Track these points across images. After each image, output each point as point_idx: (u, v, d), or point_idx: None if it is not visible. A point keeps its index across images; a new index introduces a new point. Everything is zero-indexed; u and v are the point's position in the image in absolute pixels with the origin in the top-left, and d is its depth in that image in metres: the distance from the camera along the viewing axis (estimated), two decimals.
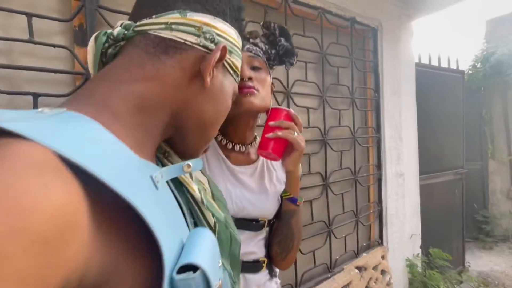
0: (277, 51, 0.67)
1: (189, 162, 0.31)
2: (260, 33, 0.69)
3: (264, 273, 0.66)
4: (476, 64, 3.63)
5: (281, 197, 0.68)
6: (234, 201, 0.62)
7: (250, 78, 0.60)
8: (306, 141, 1.37)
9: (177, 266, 0.23)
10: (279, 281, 0.71)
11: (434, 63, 2.49)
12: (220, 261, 0.31)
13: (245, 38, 0.68)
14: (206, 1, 0.35)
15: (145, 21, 0.33)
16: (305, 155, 1.39)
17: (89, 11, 0.80)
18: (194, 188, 0.34)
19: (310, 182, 1.43)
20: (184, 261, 0.24)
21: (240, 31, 0.40)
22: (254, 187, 0.65)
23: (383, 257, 1.76)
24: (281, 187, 0.69)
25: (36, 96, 0.73)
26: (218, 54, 0.33)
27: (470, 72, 3.58)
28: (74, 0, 0.81)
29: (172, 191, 0.32)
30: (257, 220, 0.64)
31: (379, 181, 1.82)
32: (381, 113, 1.81)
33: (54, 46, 0.76)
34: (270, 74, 0.67)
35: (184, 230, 0.30)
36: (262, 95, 0.61)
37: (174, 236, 0.26)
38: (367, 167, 1.78)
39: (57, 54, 0.79)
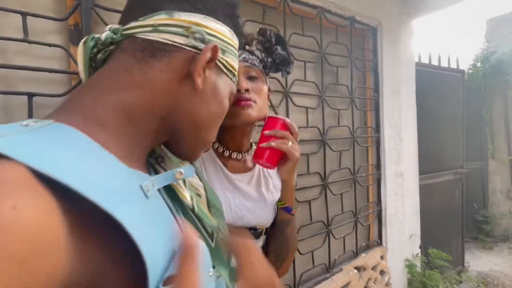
0: (274, 60, 0.67)
1: (181, 169, 0.31)
2: (256, 36, 0.68)
3: None
4: (477, 64, 3.62)
5: (277, 206, 0.68)
6: (233, 209, 0.62)
7: (247, 90, 0.60)
8: (304, 141, 1.40)
9: (164, 277, 0.24)
10: None
11: (434, 62, 2.48)
12: (211, 270, 0.31)
13: (241, 37, 0.67)
14: (196, 0, 0.33)
15: (132, 24, 0.32)
16: (304, 155, 1.39)
17: (84, 10, 0.80)
18: (186, 195, 0.34)
19: (309, 182, 1.42)
20: (170, 272, 0.24)
21: (236, 29, 0.39)
22: (252, 195, 0.65)
23: (382, 257, 1.75)
24: (277, 195, 0.69)
25: (31, 95, 0.73)
26: (208, 54, 0.32)
27: (470, 71, 3.57)
28: None
29: (164, 198, 0.32)
30: (255, 229, 0.64)
31: (378, 181, 1.82)
32: (380, 113, 1.80)
33: (49, 45, 0.76)
34: (266, 82, 0.67)
35: (176, 239, 0.29)
36: (259, 106, 0.61)
37: (163, 245, 0.26)
38: (366, 167, 1.77)
39: (53, 53, 0.78)
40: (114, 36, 0.32)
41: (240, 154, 0.67)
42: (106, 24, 0.83)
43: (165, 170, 0.35)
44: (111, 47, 0.33)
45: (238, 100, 0.59)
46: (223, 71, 0.36)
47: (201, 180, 0.44)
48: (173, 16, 0.32)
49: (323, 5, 1.46)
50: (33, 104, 0.73)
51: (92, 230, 0.22)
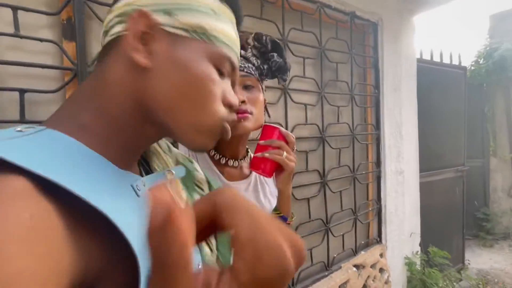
0: (270, 67, 0.66)
1: (172, 169, 0.33)
2: (251, 41, 0.66)
3: None
4: (479, 60, 3.58)
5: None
6: None
7: (243, 101, 0.59)
8: (303, 138, 1.38)
9: None
10: None
11: (436, 59, 2.45)
12: (200, 262, 0.32)
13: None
14: None
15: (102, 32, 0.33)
16: (303, 152, 1.37)
17: (77, 4, 0.78)
18: (178, 196, 0.35)
19: (308, 179, 1.41)
20: None
21: None
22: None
23: (381, 255, 1.74)
24: (274, 202, 0.69)
25: (22, 92, 0.71)
26: (137, 26, 0.29)
27: (472, 68, 3.53)
28: None
29: None
30: None
31: (378, 178, 1.80)
32: (381, 110, 1.78)
33: (41, 40, 0.74)
34: (262, 90, 0.66)
35: None
36: (255, 117, 0.61)
37: None
38: (366, 165, 1.76)
39: (45, 48, 0.77)
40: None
41: (236, 162, 0.67)
42: (99, 19, 0.81)
43: (158, 169, 0.36)
44: None
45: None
46: (181, 35, 0.30)
47: (209, 183, 0.45)
48: (112, 9, 0.32)
49: (323, 0, 1.43)
50: (25, 100, 0.72)
51: (88, 230, 0.23)
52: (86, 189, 0.23)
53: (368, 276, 1.61)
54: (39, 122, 0.28)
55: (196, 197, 0.43)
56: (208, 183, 0.47)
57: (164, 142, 0.43)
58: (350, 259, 1.57)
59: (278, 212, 0.68)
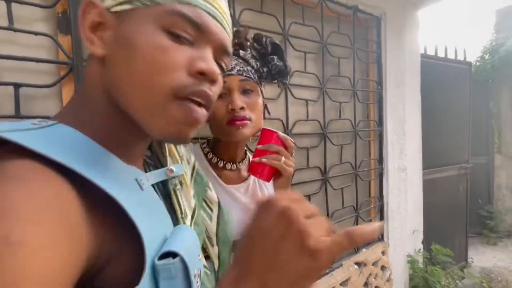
0: (270, 70, 0.64)
1: (172, 167, 0.35)
2: (251, 42, 0.65)
3: None
4: (485, 56, 3.52)
5: None
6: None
7: (242, 108, 0.58)
8: (304, 134, 1.36)
9: (159, 254, 0.27)
10: None
11: (441, 54, 2.41)
12: (200, 254, 0.34)
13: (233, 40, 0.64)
14: None
15: None
16: (304, 148, 1.36)
17: None
18: (177, 208, 0.36)
19: (309, 176, 1.39)
20: (165, 249, 0.27)
21: None
22: (250, 208, 0.63)
23: (383, 253, 1.73)
24: None
25: (17, 86, 0.70)
26: (86, 17, 0.28)
27: (478, 63, 3.47)
28: None
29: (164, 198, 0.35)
30: None
31: (380, 175, 1.78)
32: (383, 106, 1.75)
33: (35, 33, 0.73)
34: (262, 92, 0.65)
35: (169, 228, 0.31)
36: (254, 123, 0.60)
37: (156, 229, 0.29)
38: (368, 162, 1.74)
39: (40, 42, 0.75)
40: None
41: (234, 165, 0.66)
42: None
43: (162, 166, 0.38)
44: None
45: (233, 120, 0.57)
46: (128, 9, 0.28)
47: (217, 228, 0.47)
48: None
49: None
50: (20, 95, 0.71)
51: (100, 214, 0.25)
52: (97, 176, 0.24)
53: (370, 274, 1.60)
54: (34, 117, 0.30)
55: (203, 215, 0.45)
56: (219, 206, 0.49)
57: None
58: (351, 257, 1.56)
59: None
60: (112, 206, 0.25)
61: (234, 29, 0.69)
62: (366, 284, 1.58)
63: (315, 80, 1.41)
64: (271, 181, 0.66)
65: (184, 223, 0.36)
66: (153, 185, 0.33)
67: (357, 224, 1.62)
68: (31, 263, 0.18)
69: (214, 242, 0.47)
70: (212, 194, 0.48)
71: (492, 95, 3.51)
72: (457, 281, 2.16)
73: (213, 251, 0.47)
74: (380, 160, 1.78)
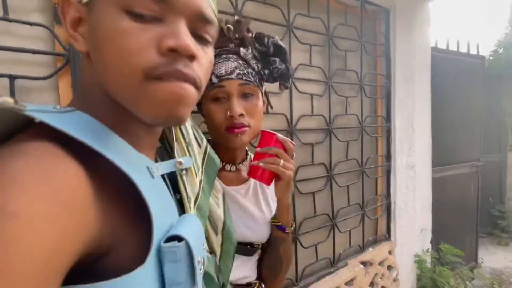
0: (271, 72, 0.61)
1: (181, 159, 0.36)
2: (252, 40, 0.62)
3: None
4: (498, 50, 3.40)
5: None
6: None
7: (241, 115, 0.57)
8: (309, 129, 1.33)
9: (165, 237, 0.27)
10: None
11: (452, 48, 2.33)
12: (205, 243, 0.34)
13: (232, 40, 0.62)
14: None
15: None
16: (308, 144, 1.32)
17: None
18: (182, 191, 0.37)
19: (313, 173, 1.36)
20: (171, 233, 0.28)
21: None
22: (251, 210, 0.63)
23: (390, 252, 1.68)
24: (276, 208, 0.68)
25: (12, 78, 0.69)
26: (65, 15, 0.29)
27: (491, 58, 3.35)
28: None
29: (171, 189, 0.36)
30: (252, 245, 0.64)
31: (388, 173, 1.73)
32: (392, 101, 1.70)
33: (30, 24, 0.71)
34: (262, 93, 0.63)
35: (175, 218, 0.32)
36: (253, 129, 0.59)
37: (163, 216, 0.29)
38: (375, 158, 1.69)
39: (36, 33, 0.73)
40: None
41: (234, 166, 0.65)
42: None
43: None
44: None
45: (232, 127, 0.56)
46: (97, 1, 0.27)
47: (224, 212, 0.49)
48: None
49: None
50: (15, 87, 0.69)
51: (111, 197, 0.26)
52: (116, 158, 0.25)
53: (376, 274, 1.56)
54: None
55: (211, 200, 0.46)
56: (223, 196, 0.51)
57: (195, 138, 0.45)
58: (357, 256, 1.52)
59: (277, 221, 0.65)
60: (125, 189, 0.26)
61: (235, 18, 0.66)
62: (372, 284, 1.54)
63: (320, 74, 1.37)
64: (272, 184, 0.65)
65: (190, 207, 0.37)
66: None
67: (363, 223, 1.58)
68: (23, 234, 0.18)
69: (219, 229, 0.47)
70: (217, 184, 0.49)
71: (506, 91, 3.39)
72: (467, 282, 2.11)
73: (216, 240, 0.47)
74: (388, 157, 1.73)
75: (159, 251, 0.27)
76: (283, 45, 0.61)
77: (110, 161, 0.25)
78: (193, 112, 0.39)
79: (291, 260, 0.70)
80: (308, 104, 1.32)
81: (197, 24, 0.29)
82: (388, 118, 1.71)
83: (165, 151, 0.41)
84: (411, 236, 1.86)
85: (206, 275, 0.38)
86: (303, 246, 1.28)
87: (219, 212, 0.48)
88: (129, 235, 0.27)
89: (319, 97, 1.36)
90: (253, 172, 0.61)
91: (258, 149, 0.61)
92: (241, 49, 0.60)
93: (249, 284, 0.65)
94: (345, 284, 1.40)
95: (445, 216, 2.22)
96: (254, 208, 0.64)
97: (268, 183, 0.61)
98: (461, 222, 2.45)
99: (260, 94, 0.61)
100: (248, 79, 0.58)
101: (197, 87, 0.29)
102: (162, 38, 0.26)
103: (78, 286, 0.22)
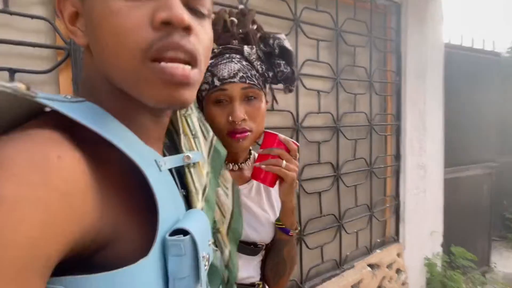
0: (275, 74, 0.59)
1: (189, 153, 0.36)
2: (256, 38, 0.60)
3: None
4: None
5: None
6: None
7: (243, 120, 0.55)
8: (316, 127, 1.29)
9: (171, 230, 0.27)
10: None
11: (467, 44, 2.24)
12: (210, 240, 0.33)
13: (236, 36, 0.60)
14: None
15: None
16: (315, 142, 1.28)
17: None
18: (190, 183, 0.37)
19: (320, 172, 1.32)
20: (177, 226, 0.28)
21: None
22: (255, 211, 0.62)
23: (398, 255, 1.63)
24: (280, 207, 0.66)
25: (12, 71, 0.68)
26: (63, 11, 0.29)
27: (507, 55, 3.23)
28: None
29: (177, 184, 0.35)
30: (255, 245, 0.63)
31: (397, 173, 1.69)
32: (402, 98, 1.65)
33: (31, 17, 0.70)
34: (265, 95, 0.61)
35: (182, 211, 0.32)
36: (255, 132, 0.58)
37: (171, 208, 0.29)
38: (384, 158, 1.64)
39: (37, 26, 0.72)
40: None
41: (236, 165, 0.63)
42: None
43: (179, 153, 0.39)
44: None
45: (233, 133, 0.55)
46: None
47: (233, 204, 0.49)
48: None
49: None
50: (15, 81, 0.68)
51: (118, 187, 0.26)
52: (126, 148, 0.25)
53: (384, 277, 1.52)
54: None
55: (220, 191, 0.47)
56: (233, 185, 0.51)
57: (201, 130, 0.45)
58: (364, 258, 1.48)
59: (281, 223, 0.64)
60: (132, 180, 0.27)
61: (240, 7, 0.63)
62: (379, 287, 1.49)
63: (328, 70, 1.33)
64: (277, 185, 0.64)
65: (197, 199, 0.37)
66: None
67: (371, 224, 1.54)
68: (5, 219, 0.18)
69: (227, 220, 0.48)
70: (226, 173, 0.49)
71: None
72: (479, 287, 2.03)
73: (224, 229, 0.47)
74: (397, 156, 1.67)
75: (164, 244, 0.26)
76: (289, 47, 0.59)
77: (119, 152, 0.25)
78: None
79: (295, 262, 0.69)
80: (315, 101, 1.28)
81: None
82: (398, 116, 1.66)
83: (172, 146, 0.40)
84: (421, 238, 1.80)
85: (212, 270, 0.38)
86: (308, 247, 1.25)
87: (228, 202, 0.48)
88: (134, 226, 0.26)
89: (326, 94, 1.32)
90: (255, 174, 0.60)
91: (260, 150, 0.60)
92: (245, 47, 0.58)
93: (252, 284, 0.64)
94: (352, 286, 1.37)
95: (457, 219, 2.15)
96: (256, 208, 0.63)
97: (272, 185, 0.60)
98: (473, 225, 2.37)
99: (263, 96, 0.60)
100: (252, 82, 0.56)
101: (196, 64, 0.29)
102: (154, 12, 0.26)
103: (75, 277, 0.21)
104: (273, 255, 0.65)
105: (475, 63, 2.28)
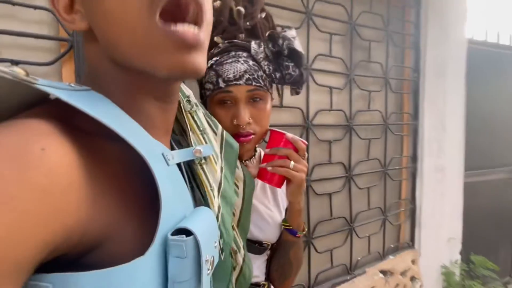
0: (283, 76, 0.57)
1: (200, 147, 0.34)
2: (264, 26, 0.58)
3: None
4: None
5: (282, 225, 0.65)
6: None
7: (248, 123, 0.55)
8: (327, 125, 1.24)
9: (173, 229, 0.26)
10: None
11: (492, 40, 2.11)
12: (216, 241, 0.32)
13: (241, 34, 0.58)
14: None
15: None
16: (326, 141, 1.23)
17: None
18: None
19: (331, 173, 1.26)
20: (179, 225, 0.26)
21: None
22: (258, 208, 0.61)
23: (413, 262, 1.55)
24: (286, 206, 0.65)
25: (14, 63, 0.67)
26: (53, 1, 0.28)
27: None
28: None
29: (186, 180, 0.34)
30: (260, 243, 0.62)
31: (413, 175, 1.60)
32: (420, 97, 1.56)
33: (34, 7, 0.68)
34: (271, 94, 0.59)
35: (189, 208, 0.31)
36: (259, 134, 0.57)
37: (177, 205, 0.28)
38: (400, 159, 1.56)
39: (40, 17, 0.71)
40: None
41: (240, 163, 0.62)
42: None
43: (188, 145, 0.38)
44: None
45: (237, 136, 0.54)
46: None
47: (243, 201, 0.49)
48: None
49: None
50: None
51: (118, 182, 0.25)
52: (131, 139, 0.24)
53: (397, 285, 1.44)
54: None
55: (223, 210, 0.47)
56: (244, 181, 0.50)
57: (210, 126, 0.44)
58: (376, 264, 1.41)
59: (288, 224, 0.62)
60: (136, 175, 0.26)
61: None
62: None
63: (341, 66, 1.27)
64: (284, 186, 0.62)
65: (214, 196, 0.36)
66: (178, 164, 0.33)
67: (384, 228, 1.46)
68: None
69: (236, 219, 0.48)
70: (238, 171, 0.48)
71: None
72: None
73: (235, 226, 0.47)
74: (414, 158, 1.59)
75: (165, 243, 0.25)
76: (299, 48, 0.56)
77: (123, 144, 0.24)
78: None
79: (301, 263, 0.68)
80: (327, 98, 1.23)
81: None
82: (415, 115, 1.57)
83: (180, 144, 0.39)
84: (438, 245, 1.71)
85: (219, 268, 0.37)
86: (317, 251, 1.19)
87: (238, 202, 0.48)
88: (134, 224, 0.25)
89: (339, 91, 1.26)
90: (262, 174, 0.58)
91: (267, 150, 0.58)
92: (252, 44, 0.56)
93: (257, 284, 0.63)
94: None
95: (477, 225, 2.04)
96: (261, 206, 0.62)
97: (279, 186, 0.58)
98: (495, 232, 2.24)
99: (269, 97, 0.58)
100: (258, 84, 0.54)
101: (202, 21, 0.28)
102: None
103: (62, 274, 0.21)
104: (279, 256, 0.64)
105: (500, 60, 2.14)
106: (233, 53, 0.55)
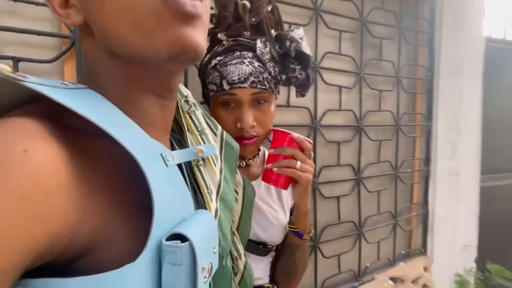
0: (289, 78, 0.56)
1: (202, 147, 0.33)
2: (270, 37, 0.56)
3: None
4: None
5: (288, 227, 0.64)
6: None
7: (252, 126, 0.54)
8: (336, 126, 1.19)
9: (168, 235, 0.25)
10: None
11: (510, 38, 2.01)
12: (216, 246, 0.31)
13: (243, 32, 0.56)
14: None
15: None
16: (334, 142, 1.19)
17: None
18: (201, 183, 0.35)
19: (339, 175, 1.22)
20: (174, 230, 0.25)
21: None
22: (262, 208, 0.60)
23: (425, 269, 1.49)
24: (291, 206, 0.65)
25: (16, 60, 0.66)
26: (48, 1, 0.27)
27: None
28: None
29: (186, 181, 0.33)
30: (264, 245, 0.61)
31: (426, 179, 1.54)
32: (434, 97, 1.50)
33: (36, 4, 0.68)
34: (276, 96, 0.58)
35: (190, 211, 0.30)
36: (262, 136, 0.57)
37: (175, 208, 0.27)
38: (412, 162, 1.50)
39: (42, 14, 0.70)
40: None
41: (243, 162, 0.61)
42: None
43: (189, 144, 0.37)
44: None
45: (241, 139, 0.54)
46: None
47: (242, 208, 0.48)
48: None
49: None
50: (19, 70, 0.66)
51: (112, 185, 0.25)
52: (124, 140, 0.23)
53: None
54: None
55: (221, 214, 0.46)
56: (244, 188, 0.49)
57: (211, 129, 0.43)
58: (386, 270, 1.36)
59: (294, 226, 0.61)
60: (133, 177, 0.25)
61: None
62: None
63: (351, 64, 1.23)
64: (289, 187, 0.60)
65: (211, 199, 0.36)
66: (179, 165, 0.32)
67: (394, 234, 1.41)
68: None
69: (235, 224, 0.48)
70: (238, 176, 0.48)
71: None
72: None
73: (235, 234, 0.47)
74: (427, 160, 1.53)
75: (160, 249, 0.24)
76: (307, 51, 0.54)
77: (119, 145, 0.23)
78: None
79: (306, 266, 0.67)
80: (336, 98, 1.19)
81: None
82: (429, 116, 1.51)
83: (179, 144, 0.39)
84: (452, 252, 1.63)
85: (220, 273, 0.36)
86: (324, 256, 1.15)
87: (237, 207, 0.48)
88: (129, 229, 0.25)
89: (348, 90, 1.22)
90: (267, 176, 0.57)
91: (271, 150, 0.57)
92: (258, 44, 0.54)
93: (261, 286, 0.63)
94: None
95: (494, 232, 1.95)
96: (266, 207, 0.61)
97: (285, 188, 0.56)
98: None
99: (273, 98, 0.58)
100: (263, 87, 0.53)
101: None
102: None
103: (46, 280, 0.20)
104: (285, 258, 0.64)
105: None
106: (238, 53, 0.53)
